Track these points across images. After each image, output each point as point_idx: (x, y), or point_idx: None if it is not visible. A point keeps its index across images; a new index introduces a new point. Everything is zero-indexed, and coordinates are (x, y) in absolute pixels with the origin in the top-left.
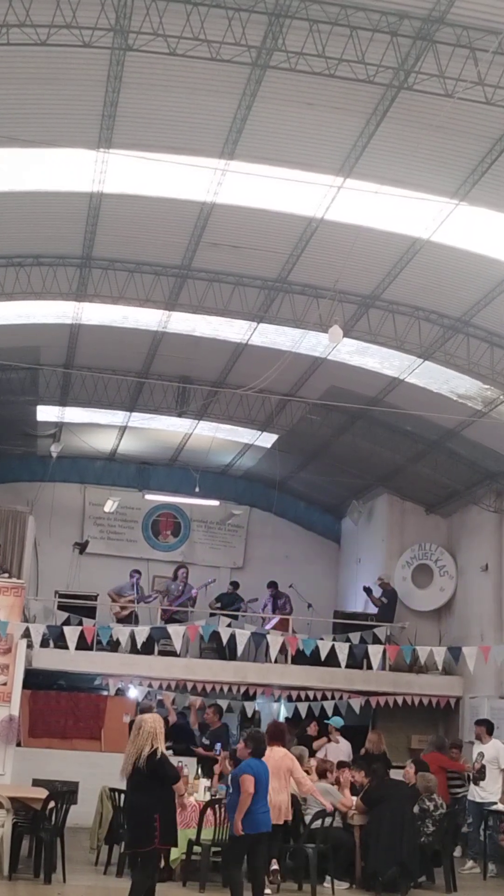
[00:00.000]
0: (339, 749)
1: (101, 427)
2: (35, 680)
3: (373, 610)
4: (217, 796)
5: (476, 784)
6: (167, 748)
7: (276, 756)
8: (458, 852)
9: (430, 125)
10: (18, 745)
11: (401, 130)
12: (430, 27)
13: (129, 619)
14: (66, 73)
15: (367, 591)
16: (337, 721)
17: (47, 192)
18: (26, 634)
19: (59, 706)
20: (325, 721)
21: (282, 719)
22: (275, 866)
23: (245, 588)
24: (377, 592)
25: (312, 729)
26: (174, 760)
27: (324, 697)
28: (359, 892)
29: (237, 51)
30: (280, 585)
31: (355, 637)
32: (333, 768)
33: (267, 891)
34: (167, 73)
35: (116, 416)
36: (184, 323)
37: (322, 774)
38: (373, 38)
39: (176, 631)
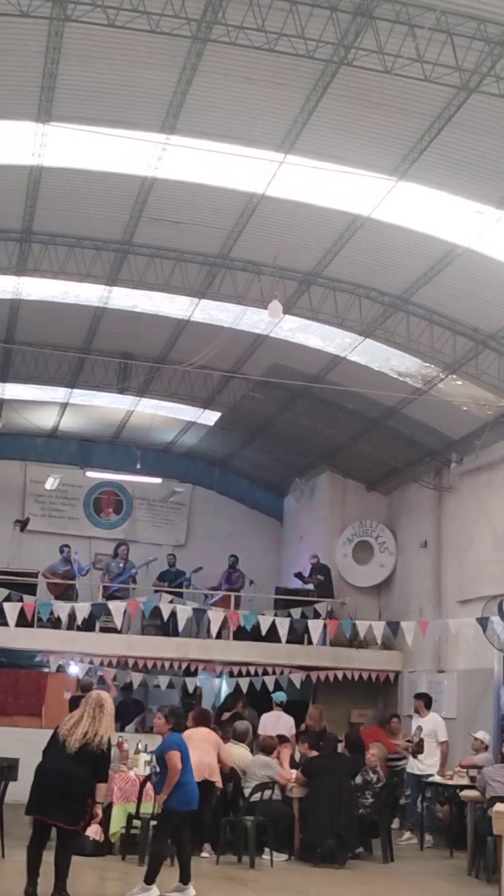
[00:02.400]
0: (280, 723)
1: (42, 404)
2: None
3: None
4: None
5: (415, 757)
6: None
7: (202, 733)
8: (395, 824)
9: (369, 102)
10: None
11: (341, 107)
12: (369, 3)
13: (69, 595)
14: (3, 44)
15: (299, 576)
16: (280, 696)
17: None
18: None
19: None
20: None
21: (223, 695)
22: (206, 853)
23: (187, 566)
24: (307, 572)
25: (240, 706)
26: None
27: (265, 673)
28: (297, 863)
29: (177, 23)
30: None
31: (296, 613)
32: (276, 744)
33: (204, 854)
34: (107, 45)
35: (57, 393)
36: (125, 299)
37: (266, 750)
38: (312, 14)
39: (117, 607)
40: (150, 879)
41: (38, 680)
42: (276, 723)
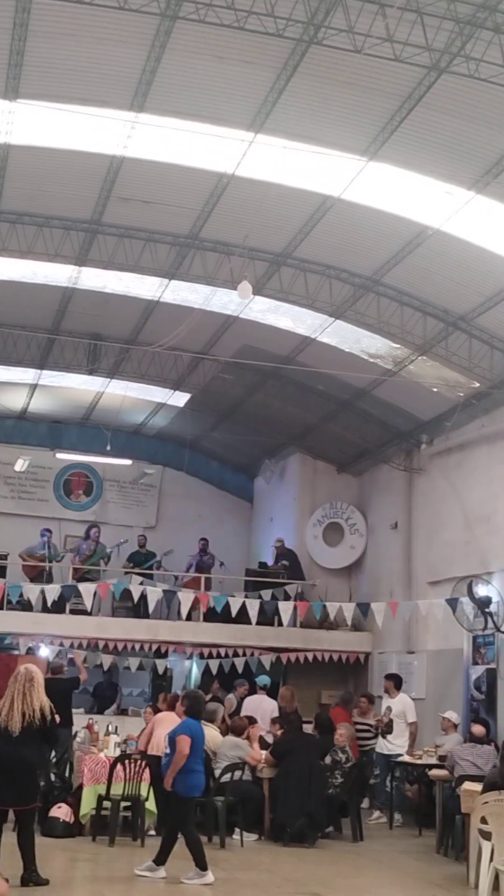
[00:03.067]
0: (264, 707)
1: (10, 385)
2: None
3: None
4: (127, 752)
5: (384, 737)
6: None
7: (174, 717)
8: (365, 803)
9: (340, 81)
10: None
11: (311, 86)
12: None
13: (42, 578)
14: None
15: (263, 565)
16: (263, 679)
17: None
18: None
19: None
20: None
21: (194, 677)
22: None
23: (158, 548)
24: (272, 559)
25: (215, 688)
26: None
27: (235, 654)
28: (267, 843)
29: (145, 0)
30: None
31: (266, 594)
32: (246, 725)
33: None
34: (75, 22)
35: (27, 374)
36: (94, 279)
37: (237, 731)
38: None
39: (87, 589)
40: (201, 865)
41: (7, 662)
42: (258, 706)
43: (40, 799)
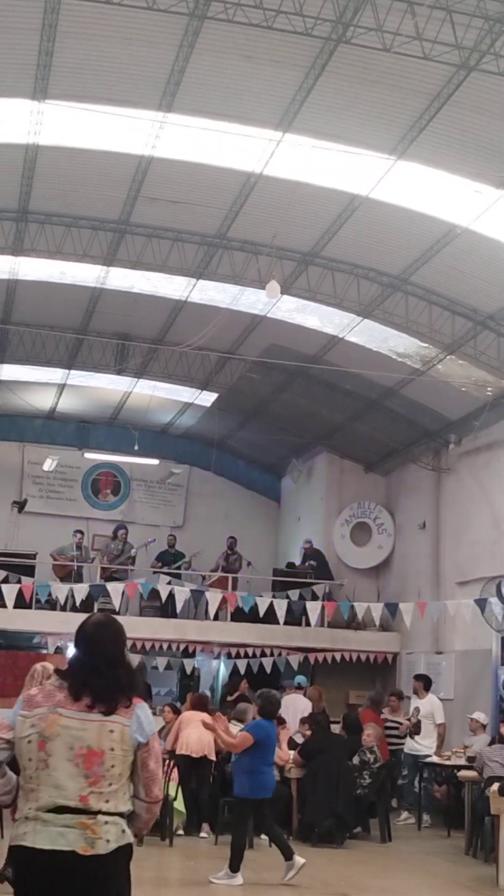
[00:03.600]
0: (297, 705)
1: (39, 385)
2: None
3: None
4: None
5: (412, 738)
6: None
7: (200, 716)
8: (393, 803)
9: (368, 80)
10: None
11: (339, 85)
12: None
13: (71, 578)
14: (0, 22)
15: (291, 566)
16: (300, 679)
17: None
18: None
19: None
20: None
21: (221, 677)
22: (204, 833)
23: (185, 547)
24: (299, 560)
25: (244, 686)
26: None
27: (263, 654)
28: (295, 843)
29: (174, 0)
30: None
31: (294, 594)
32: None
33: (203, 834)
34: (104, 23)
35: (55, 374)
36: (122, 279)
37: None
38: None
39: (115, 588)
40: (234, 867)
41: (36, 661)
42: (292, 704)
43: None
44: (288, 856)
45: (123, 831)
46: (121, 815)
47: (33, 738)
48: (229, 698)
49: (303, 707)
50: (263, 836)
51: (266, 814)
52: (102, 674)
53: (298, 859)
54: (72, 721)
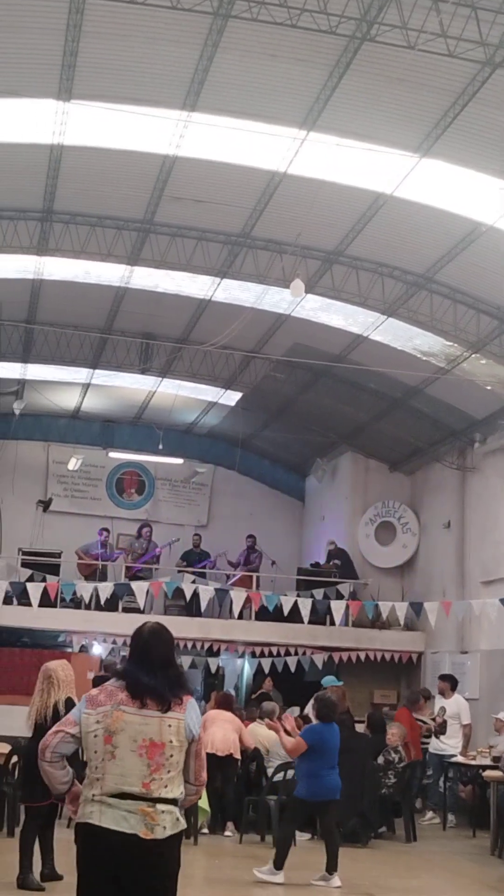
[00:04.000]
0: None
1: (64, 384)
2: None
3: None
4: None
5: (437, 737)
6: None
7: (226, 715)
8: (418, 803)
9: (393, 78)
10: None
11: (364, 83)
12: None
13: (96, 576)
14: (25, 22)
15: (316, 565)
16: (330, 680)
17: (6, 143)
18: None
19: (23, 662)
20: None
21: (245, 676)
22: (229, 832)
23: (210, 546)
24: (323, 559)
25: (268, 685)
26: None
27: (287, 653)
28: (320, 842)
29: None
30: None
31: (318, 593)
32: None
33: (228, 833)
34: (128, 22)
35: (80, 374)
36: (146, 278)
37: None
38: None
39: (140, 587)
40: (278, 864)
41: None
42: None
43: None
44: (330, 869)
45: (178, 819)
46: (175, 801)
47: (99, 732)
48: (252, 696)
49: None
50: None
51: (328, 819)
52: (158, 675)
53: (336, 881)
54: (134, 717)
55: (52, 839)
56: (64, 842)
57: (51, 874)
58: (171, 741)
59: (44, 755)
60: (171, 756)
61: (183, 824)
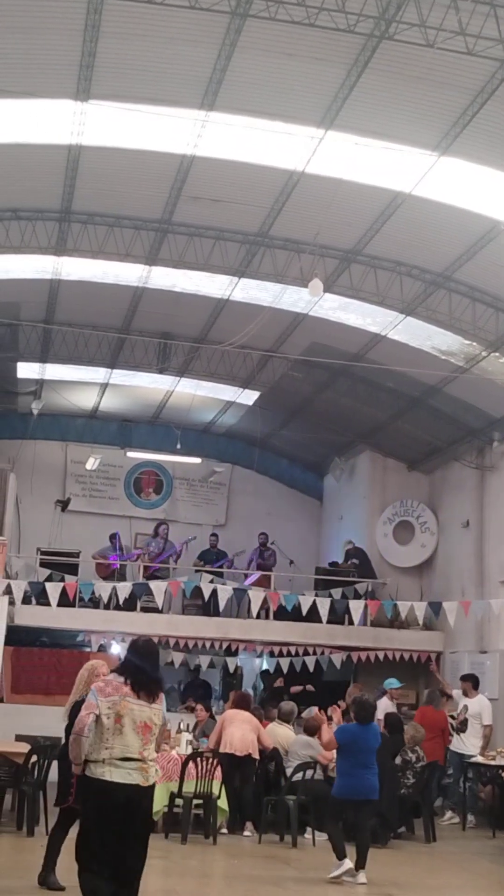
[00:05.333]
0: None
1: (82, 384)
2: (17, 636)
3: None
4: (199, 750)
5: (458, 734)
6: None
7: (244, 715)
8: (438, 802)
9: (411, 76)
10: (1, 700)
11: (382, 82)
12: None
13: (114, 577)
14: (44, 23)
15: (334, 564)
16: (392, 682)
17: (25, 144)
18: (8, 591)
19: (42, 662)
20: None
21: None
22: (248, 832)
23: (227, 545)
24: (342, 559)
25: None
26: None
27: (305, 653)
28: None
29: None
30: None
31: (337, 593)
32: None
33: (247, 833)
34: (146, 22)
35: (98, 373)
36: (164, 278)
37: (309, 730)
38: None
39: (158, 587)
40: (339, 856)
41: (80, 659)
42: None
43: None
44: (358, 866)
45: (156, 771)
46: (153, 760)
47: (111, 714)
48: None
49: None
50: (307, 836)
51: (362, 819)
52: (150, 677)
53: (362, 877)
54: (134, 706)
55: (54, 843)
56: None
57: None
58: (155, 724)
59: (82, 732)
60: (153, 733)
61: (158, 775)
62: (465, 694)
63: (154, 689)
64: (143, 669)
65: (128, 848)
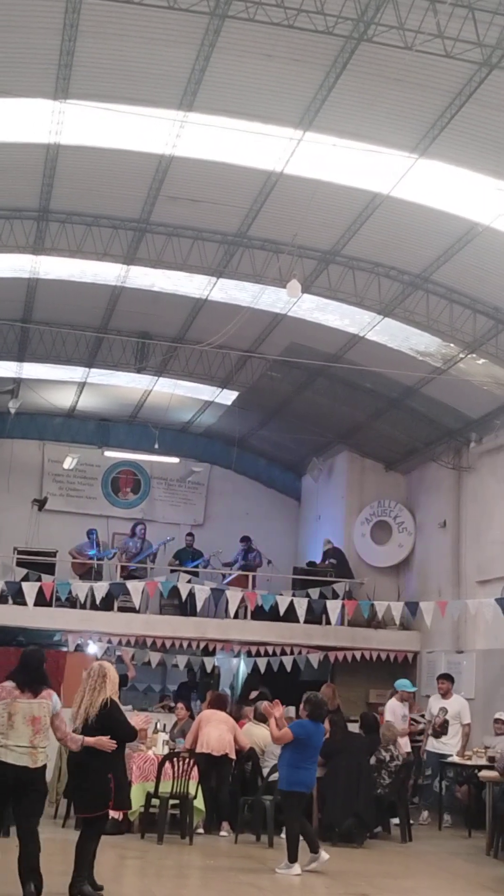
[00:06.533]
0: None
1: (59, 383)
2: None
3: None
4: (176, 749)
5: (437, 738)
6: None
7: (220, 716)
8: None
9: (389, 78)
10: None
11: (361, 83)
12: None
13: (91, 575)
14: (22, 21)
15: (312, 564)
16: (405, 684)
17: (3, 143)
18: None
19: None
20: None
21: (241, 675)
22: (224, 832)
23: (206, 545)
24: (319, 559)
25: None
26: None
27: (283, 653)
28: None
29: None
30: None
31: (314, 593)
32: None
33: (223, 833)
34: (124, 22)
35: (75, 373)
36: (143, 278)
37: (261, 718)
38: None
39: (135, 587)
40: (292, 858)
41: (56, 659)
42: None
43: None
44: (314, 849)
45: (46, 756)
46: (44, 747)
47: (4, 714)
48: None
49: (399, 710)
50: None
51: (304, 809)
52: (33, 677)
53: (324, 855)
54: (23, 704)
55: (87, 850)
56: (101, 845)
57: (80, 888)
58: (44, 716)
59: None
60: (43, 723)
61: (47, 760)
62: (445, 695)
63: (35, 687)
64: (27, 672)
65: (21, 817)
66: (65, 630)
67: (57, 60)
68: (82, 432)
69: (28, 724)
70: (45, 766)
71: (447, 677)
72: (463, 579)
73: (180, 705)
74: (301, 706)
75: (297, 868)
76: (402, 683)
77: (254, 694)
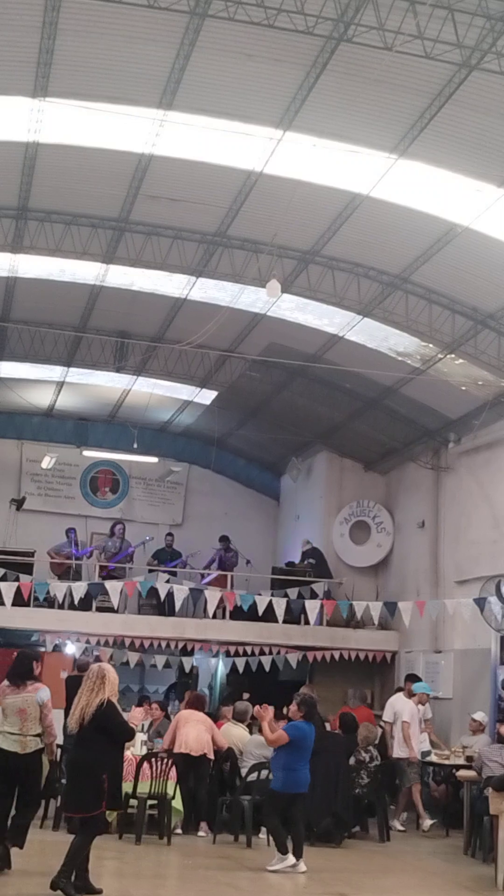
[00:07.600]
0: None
1: (38, 382)
2: None
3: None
4: (154, 750)
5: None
6: None
7: (198, 716)
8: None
9: (369, 79)
10: None
11: (340, 84)
12: None
13: (69, 575)
14: (0, 19)
15: (291, 564)
16: (423, 687)
17: None
18: None
19: None
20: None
21: (220, 675)
22: (202, 832)
23: (185, 545)
24: (298, 559)
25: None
26: None
27: (261, 653)
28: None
29: None
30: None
31: (293, 593)
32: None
33: (201, 833)
34: (104, 20)
35: (54, 372)
36: (122, 277)
37: (239, 717)
38: None
39: (113, 587)
40: (281, 850)
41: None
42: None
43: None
44: (297, 855)
45: (39, 743)
46: (36, 735)
47: None
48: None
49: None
50: (262, 836)
51: (297, 811)
52: (19, 674)
53: (302, 866)
54: (12, 698)
55: (80, 848)
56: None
57: (84, 887)
58: (30, 707)
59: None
60: (30, 714)
61: (40, 745)
62: (411, 695)
63: (18, 681)
64: (14, 670)
65: (16, 806)
66: (42, 630)
67: (36, 58)
68: (61, 432)
69: (16, 715)
70: (36, 752)
71: (410, 677)
72: (441, 579)
73: (155, 705)
74: (296, 707)
75: (291, 859)
76: (421, 686)
77: (246, 696)
